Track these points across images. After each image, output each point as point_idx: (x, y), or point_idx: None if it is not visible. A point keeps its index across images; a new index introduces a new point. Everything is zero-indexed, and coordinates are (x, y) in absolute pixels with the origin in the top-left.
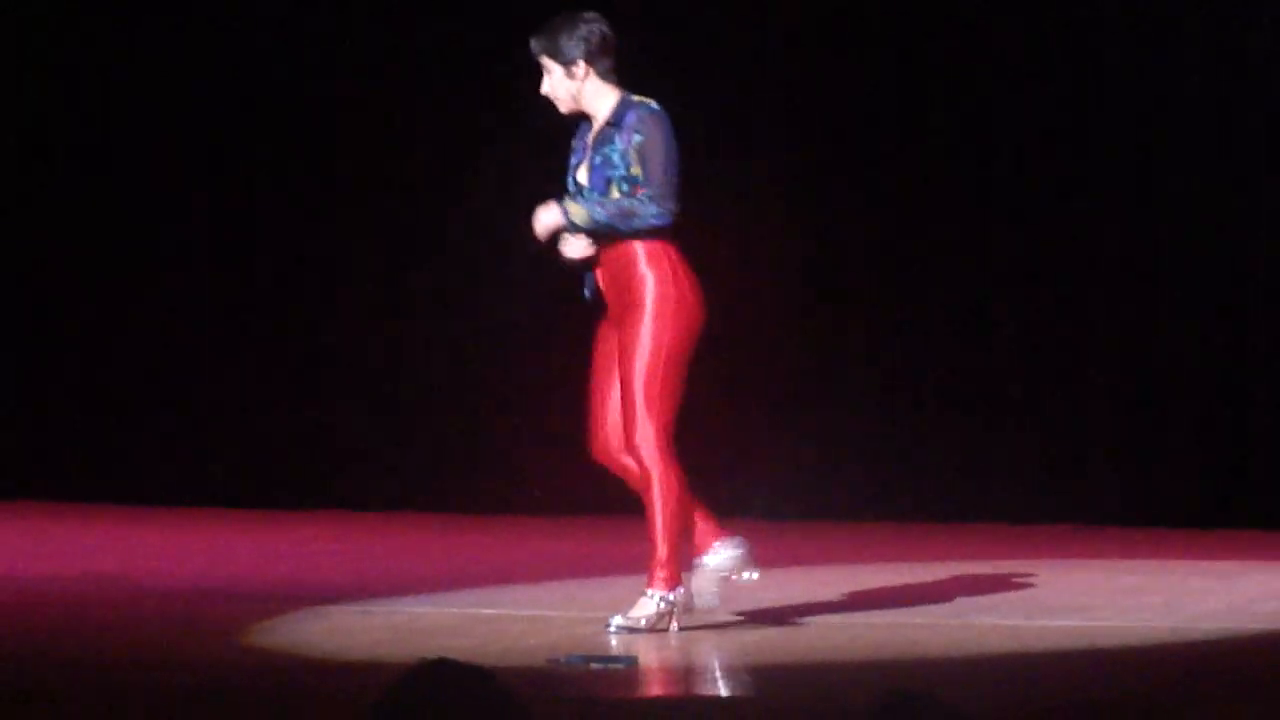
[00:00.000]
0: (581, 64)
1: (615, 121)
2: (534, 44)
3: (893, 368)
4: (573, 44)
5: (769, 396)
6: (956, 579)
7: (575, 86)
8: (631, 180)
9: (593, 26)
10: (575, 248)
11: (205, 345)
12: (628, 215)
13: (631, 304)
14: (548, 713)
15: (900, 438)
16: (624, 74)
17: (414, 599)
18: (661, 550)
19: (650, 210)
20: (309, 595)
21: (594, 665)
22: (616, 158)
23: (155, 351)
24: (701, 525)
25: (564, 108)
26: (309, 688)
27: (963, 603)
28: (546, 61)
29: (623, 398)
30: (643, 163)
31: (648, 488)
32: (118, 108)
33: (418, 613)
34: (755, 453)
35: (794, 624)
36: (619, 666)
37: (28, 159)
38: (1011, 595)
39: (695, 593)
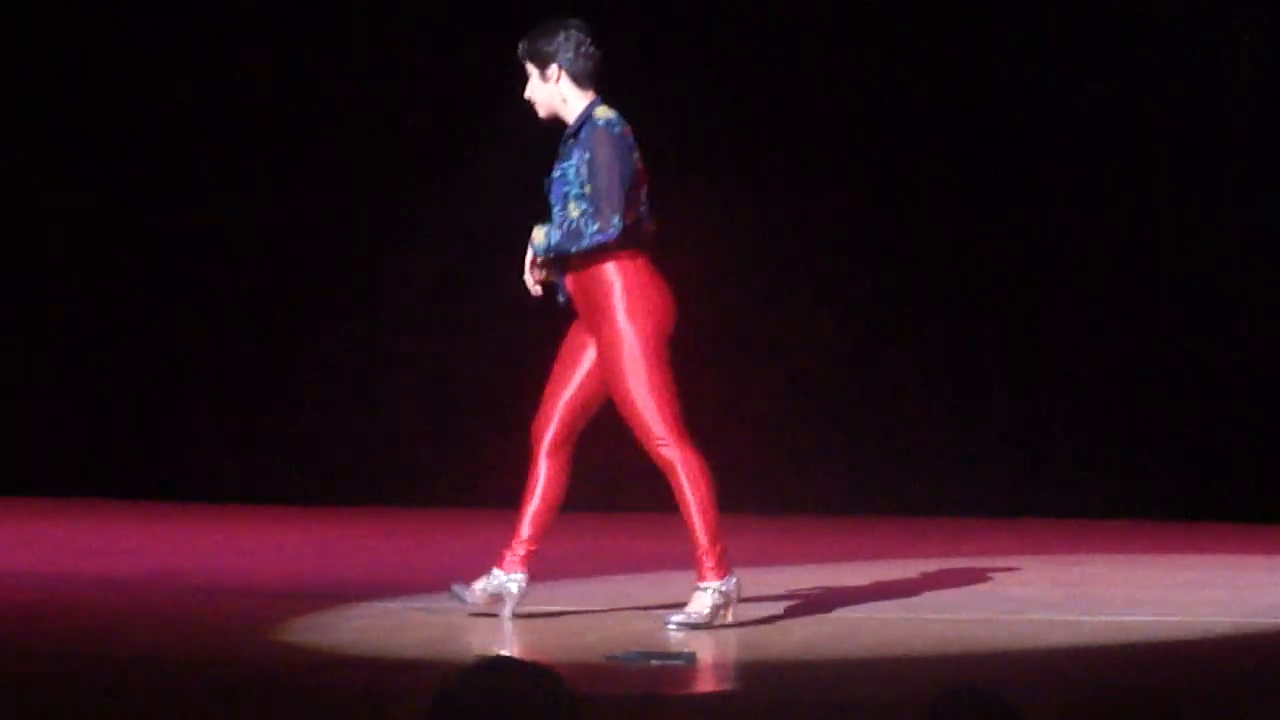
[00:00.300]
0: (554, 68)
1: (575, 133)
2: (519, 47)
3: (938, 358)
4: (549, 48)
5: (809, 393)
6: (1013, 574)
7: (550, 91)
8: (585, 196)
9: (570, 32)
10: (535, 273)
11: (251, 342)
12: (574, 236)
13: (599, 310)
14: (608, 710)
15: (949, 432)
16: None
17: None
18: (703, 540)
19: (591, 229)
20: (358, 591)
21: (653, 662)
22: (572, 174)
23: (203, 349)
24: (522, 545)
25: (541, 112)
26: (362, 684)
27: (1021, 597)
28: (527, 65)
29: (620, 405)
30: (594, 179)
31: (674, 483)
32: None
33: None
34: (802, 448)
35: (852, 619)
36: (678, 663)
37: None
38: (1071, 590)
39: (468, 589)
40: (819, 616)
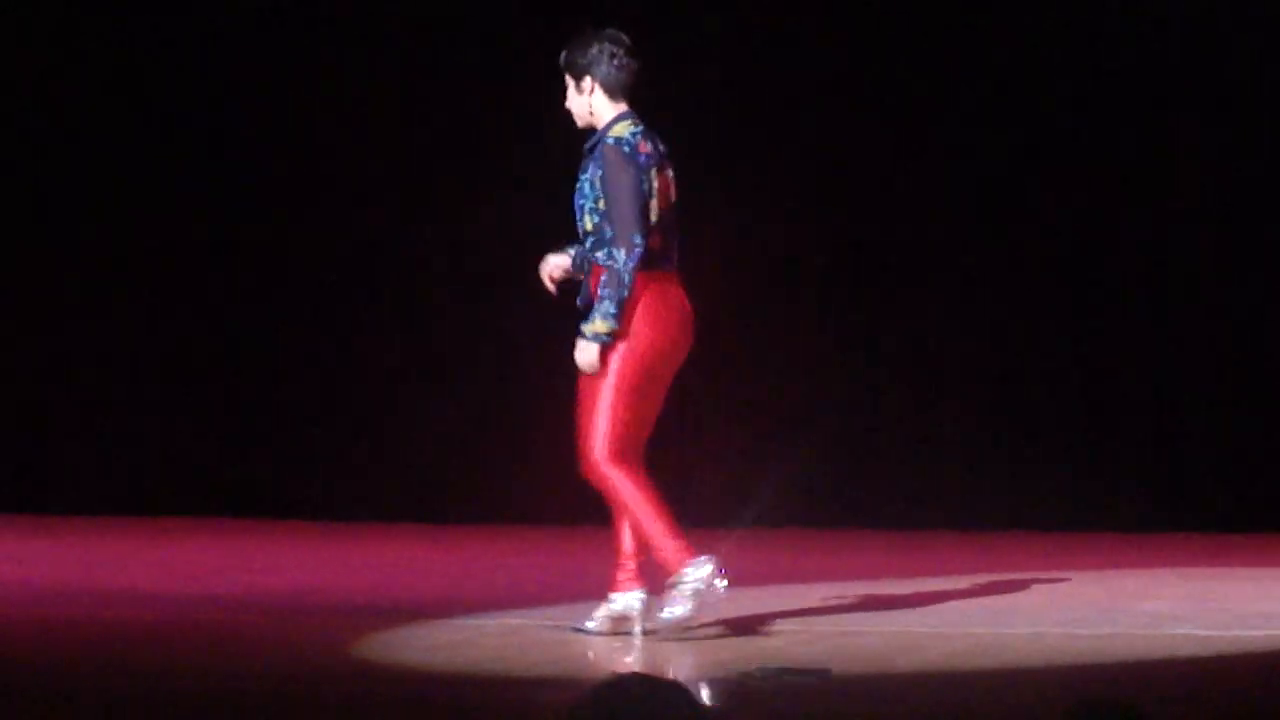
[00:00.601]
0: (588, 80)
1: (592, 148)
2: (560, 57)
3: (1069, 371)
4: (584, 60)
5: (941, 406)
6: (1145, 588)
7: (584, 103)
8: (599, 212)
9: (605, 45)
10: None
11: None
12: (619, 285)
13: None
14: None
15: (1080, 446)
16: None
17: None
18: (660, 545)
19: (621, 257)
20: (461, 606)
21: (787, 678)
22: (587, 187)
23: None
24: None
25: (579, 122)
26: (489, 702)
27: (1154, 612)
28: (566, 76)
29: (582, 404)
30: (606, 198)
31: (611, 499)
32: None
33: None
34: (928, 463)
35: (982, 634)
36: (811, 679)
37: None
38: (1205, 605)
39: (590, 620)
40: (947, 632)
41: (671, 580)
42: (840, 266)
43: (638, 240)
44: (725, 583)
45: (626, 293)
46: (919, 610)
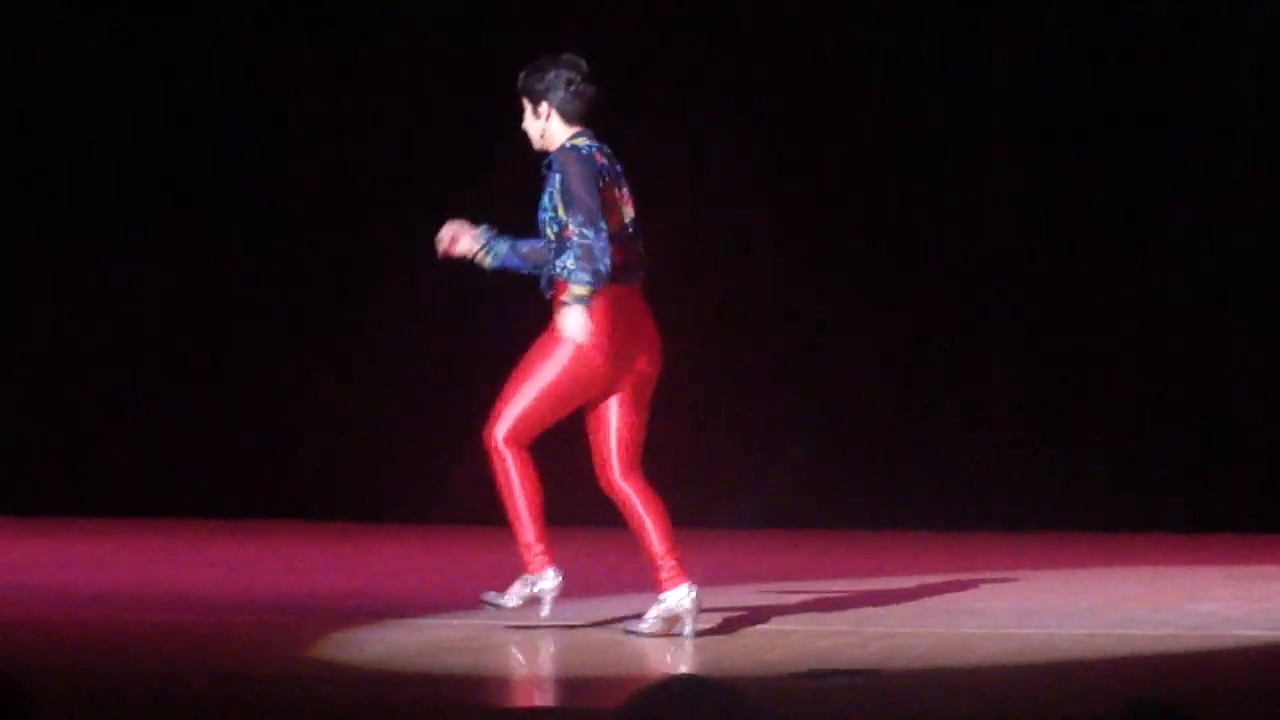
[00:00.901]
0: (545, 105)
1: (549, 165)
2: (518, 80)
3: (1119, 370)
4: (540, 86)
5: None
6: (1197, 589)
7: (539, 126)
8: (559, 222)
9: (562, 70)
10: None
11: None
12: (591, 257)
13: (550, 327)
14: None
15: (1129, 446)
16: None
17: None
18: (522, 541)
19: (591, 234)
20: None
21: (838, 679)
22: (547, 199)
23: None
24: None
25: (534, 145)
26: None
27: (1205, 613)
28: (523, 99)
29: (510, 381)
30: (565, 197)
31: (493, 475)
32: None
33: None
34: (979, 463)
35: (1035, 634)
36: (863, 680)
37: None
38: (1257, 605)
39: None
40: (998, 633)
41: (522, 578)
42: (868, 265)
43: (602, 225)
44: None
45: (601, 267)
46: (968, 611)
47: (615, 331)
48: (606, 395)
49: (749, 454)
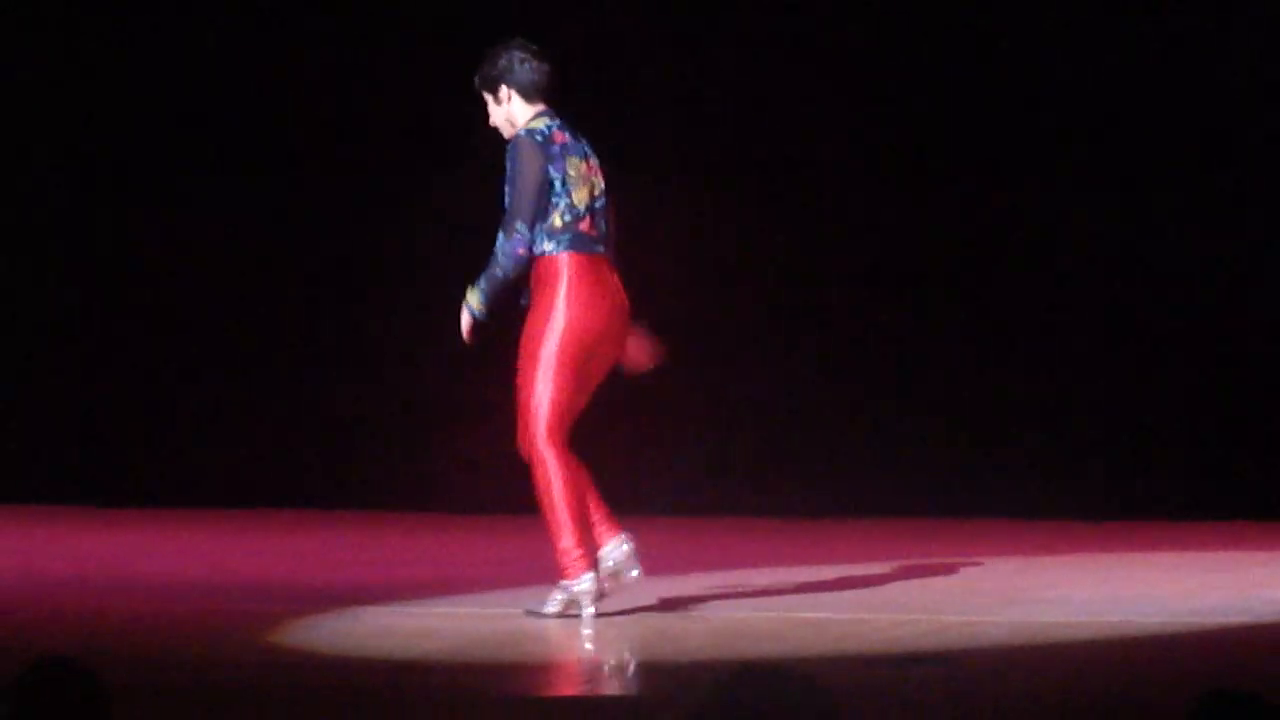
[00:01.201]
0: (504, 89)
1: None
2: (474, 82)
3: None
4: (494, 72)
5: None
6: (1274, 575)
7: (504, 112)
8: None
9: (513, 52)
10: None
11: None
12: (495, 264)
13: (539, 303)
14: (867, 716)
15: (1196, 430)
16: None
17: (735, 602)
18: (555, 540)
19: (500, 239)
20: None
21: (914, 667)
22: (505, 188)
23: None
24: (597, 519)
25: (505, 134)
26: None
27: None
28: (484, 95)
29: (518, 389)
30: (508, 184)
31: (534, 481)
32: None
33: (738, 617)
34: (1053, 450)
35: (1108, 621)
36: (939, 668)
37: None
38: None
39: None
40: (1074, 621)
41: (559, 585)
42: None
43: (521, 229)
44: (591, 610)
45: (501, 274)
46: (1045, 600)
47: (601, 297)
48: (617, 360)
49: (798, 441)
